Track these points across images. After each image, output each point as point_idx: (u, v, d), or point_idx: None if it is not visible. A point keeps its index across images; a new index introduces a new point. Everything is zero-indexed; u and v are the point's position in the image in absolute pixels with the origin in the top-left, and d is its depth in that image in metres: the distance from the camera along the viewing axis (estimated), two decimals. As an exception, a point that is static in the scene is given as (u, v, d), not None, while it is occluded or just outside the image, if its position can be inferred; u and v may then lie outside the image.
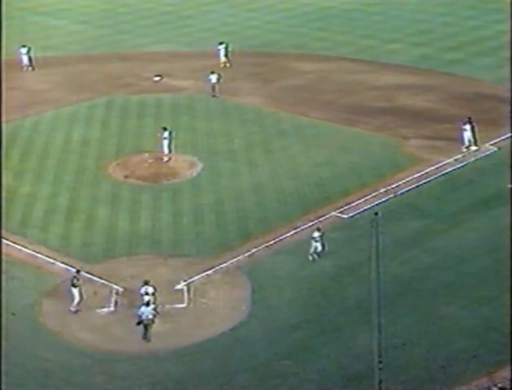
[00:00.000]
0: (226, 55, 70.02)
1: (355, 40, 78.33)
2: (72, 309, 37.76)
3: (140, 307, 36.39)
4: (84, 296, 38.09)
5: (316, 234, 41.11)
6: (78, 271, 38.72)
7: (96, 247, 43.44)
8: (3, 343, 33.13)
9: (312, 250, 40.99)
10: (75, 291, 37.87)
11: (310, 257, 40.96)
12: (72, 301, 37.88)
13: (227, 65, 69.52)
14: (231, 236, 44.15)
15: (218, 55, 69.84)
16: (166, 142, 53.14)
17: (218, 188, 49.29)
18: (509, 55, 65.71)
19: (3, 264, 39.65)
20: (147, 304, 36.36)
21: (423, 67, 69.70)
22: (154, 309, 36.49)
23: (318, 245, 40.98)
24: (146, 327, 36.08)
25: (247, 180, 50.07)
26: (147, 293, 37.11)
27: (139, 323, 35.97)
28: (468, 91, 64.01)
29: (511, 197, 45.12)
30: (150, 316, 36.04)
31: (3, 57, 67.68)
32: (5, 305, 36.71)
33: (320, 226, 42.20)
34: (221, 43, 70.41)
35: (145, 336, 36.07)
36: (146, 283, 37.65)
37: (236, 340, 36.06)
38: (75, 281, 38.04)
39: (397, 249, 40.99)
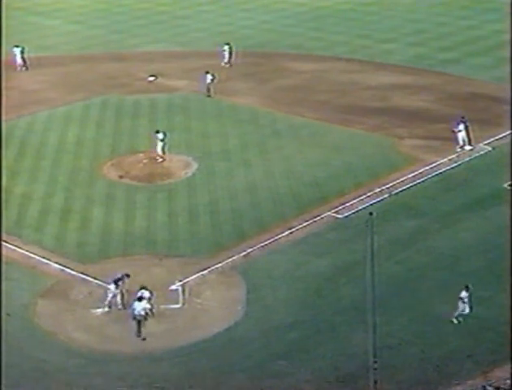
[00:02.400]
0: (230, 55, 69.83)
1: (350, 40, 78.37)
2: (102, 308, 37.75)
3: (132, 303, 36.51)
4: (118, 301, 37.91)
5: (464, 294, 35.60)
6: (128, 275, 38.29)
7: (91, 247, 43.41)
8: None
9: (458, 312, 35.54)
10: (113, 289, 37.70)
11: (455, 321, 35.51)
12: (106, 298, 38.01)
13: (222, 65, 69.45)
14: (226, 236, 44.14)
15: (222, 56, 69.73)
16: (160, 144, 53.07)
17: (213, 188, 49.28)
18: (509, 55, 65.96)
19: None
20: (139, 299, 36.36)
21: (417, 67, 69.75)
22: (150, 310, 36.53)
23: (467, 307, 35.53)
24: (139, 323, 36.11)
25: (242, 180, 50.06)
26: (143, 298, 36.81)
27: (134, 318, 36.13)
28: (463, 91, 64.07)
29: (511, 196, 45.26)
30: (142, 312, 36.07)
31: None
32: (0, 305, 36.79)
33: (469, 284, 36.03)
34: (227, 44, 70.26)
35: (138, 333, 36.11)
36: (143, 288, 37.39)
37: (232, 340, 36.06)
38: (119, 283, 37.79)
39: (391, 249, 41.04)
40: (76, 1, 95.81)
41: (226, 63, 69.67)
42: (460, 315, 35.55)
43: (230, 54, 69.99)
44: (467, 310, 35.51)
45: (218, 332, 36.36)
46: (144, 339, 36.08)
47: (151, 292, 37.25)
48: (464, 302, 35.50)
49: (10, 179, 50.35)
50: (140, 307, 36.09)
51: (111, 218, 46.11)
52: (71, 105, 62.94)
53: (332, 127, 57.66)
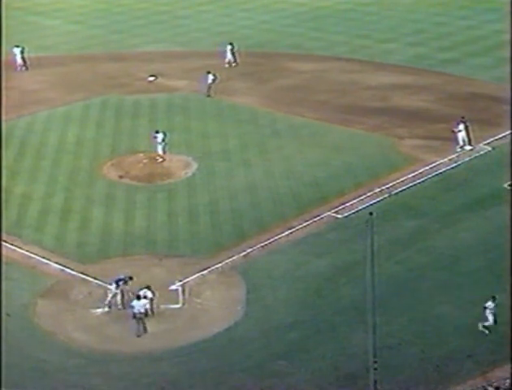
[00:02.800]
0: (233, 55, 69.83)
1: (350, 40, 78.34)
2: (102, 308, 37.77)
3: (131, 301, 36.59)
4: (118, 301, 37.94)
5: (490, 304, 34.76)
6: (131, 278, 38.31)
7: (91, 247, 43.41)
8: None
9: (488, 322, 34.76)
10: (114, 288, 37.71)
11: (481, 327, 34.78)
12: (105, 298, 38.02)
13: (227, 66, 69.43)
14: (226, 236, 44.14)
15: (225, 56, 69.71)
16: (160, 144, 53.06)
17: (213, 188, 49.28)
18: (509, 55, 65.94)
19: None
20: (138, 298, 36.42)
21: (417, 67, 69.73)
22: (151, 309, 36.56)
23: (491, 318, 34.71)
24: (139, 322, 36.14)
25: (242, 180, 50.06)
26: (145, 297, 36.88)
27: (134, 317, 36.18)
28: (463, 91, 64.06)
29: (511, 196, 45.25)
30: (142, 310, 36.10)
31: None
32: (0, 305, 36.78)
33: (495, 295, 35.15)
34: (230, 43, 70.22)
35: (138, 331, 36.14)
36: (146, 287, 37.43)
37: (232, 340, 36.06)
38: (120, 283, 37.77)
39: (391, 249, 41.04)
40: (76, 1, 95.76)
41: (229, 63, 69.61)
42: (484, 326, 34.73)
43: (233, 54, 69.96)
44: (491, 320, 34.65)
45: (218, 332, 36.36)
46: (145, 331, 36.03)
47: (153, 293, 37.28)
48: (490, 313, 34.68)
49: (10, 179, 50.35)
50: (139, 306, 36.12)
51: (111, 218, 46.11)
52: (70, 105, 62.92)
53: (332, 127, 57.66)
